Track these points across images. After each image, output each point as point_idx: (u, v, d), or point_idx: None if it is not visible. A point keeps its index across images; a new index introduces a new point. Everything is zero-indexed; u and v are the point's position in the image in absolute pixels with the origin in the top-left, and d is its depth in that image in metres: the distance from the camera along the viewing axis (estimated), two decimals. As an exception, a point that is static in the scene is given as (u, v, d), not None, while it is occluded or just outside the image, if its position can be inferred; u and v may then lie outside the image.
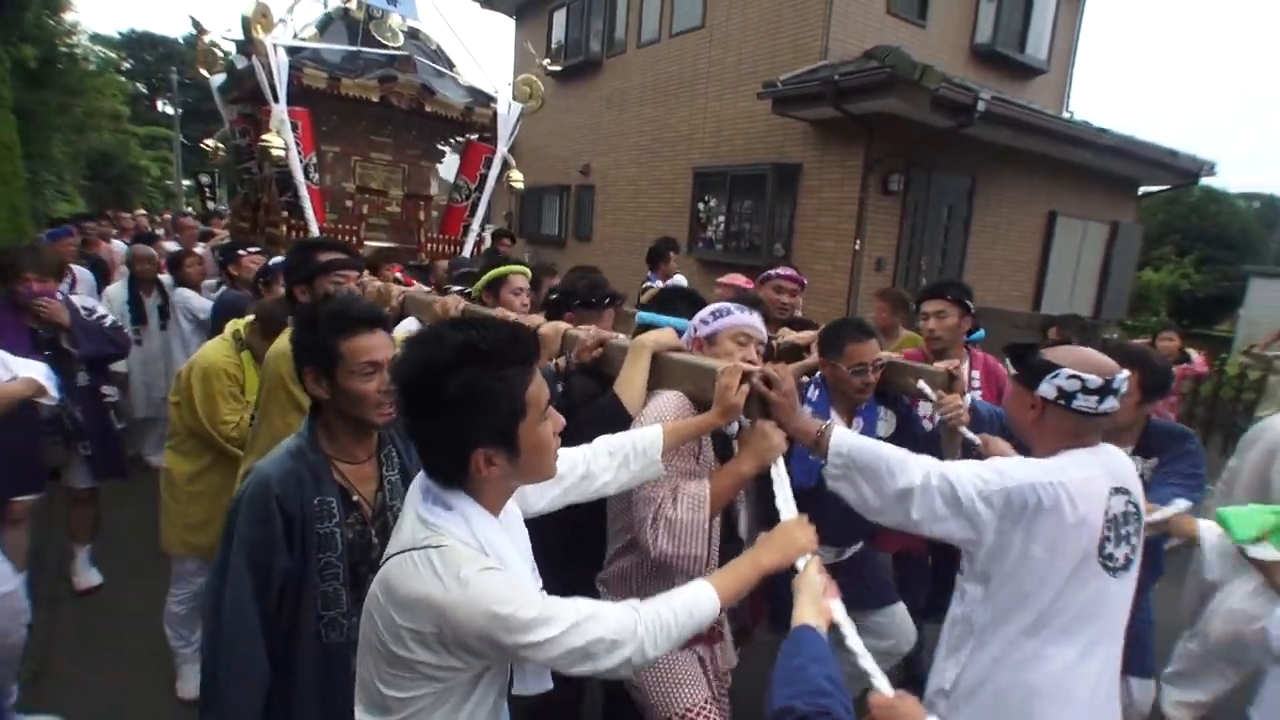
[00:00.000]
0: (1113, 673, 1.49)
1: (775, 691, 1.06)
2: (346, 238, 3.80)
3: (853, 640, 1.19)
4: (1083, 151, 8.20)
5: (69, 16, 9.24)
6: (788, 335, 2.65)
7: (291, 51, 3.68)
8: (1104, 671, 1.45)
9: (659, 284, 4.88)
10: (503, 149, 4.45)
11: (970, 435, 2.03)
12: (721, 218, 9.13)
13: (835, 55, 7.66)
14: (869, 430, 2.21)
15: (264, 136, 3.59)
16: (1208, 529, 1.83)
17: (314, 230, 3.71)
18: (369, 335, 1.44)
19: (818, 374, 2.28)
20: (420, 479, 1.14)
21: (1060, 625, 1.42)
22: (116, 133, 12.80)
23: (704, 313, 1.85)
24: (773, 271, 3.15)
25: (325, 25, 4.24)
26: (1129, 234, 10.36)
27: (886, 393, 2.27)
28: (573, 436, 1.35)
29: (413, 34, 4.40)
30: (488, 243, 5.57)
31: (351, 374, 1.42)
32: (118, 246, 6.78)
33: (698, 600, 1.15)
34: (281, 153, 3.57)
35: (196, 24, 4.31)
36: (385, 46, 4.13)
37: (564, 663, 1.04)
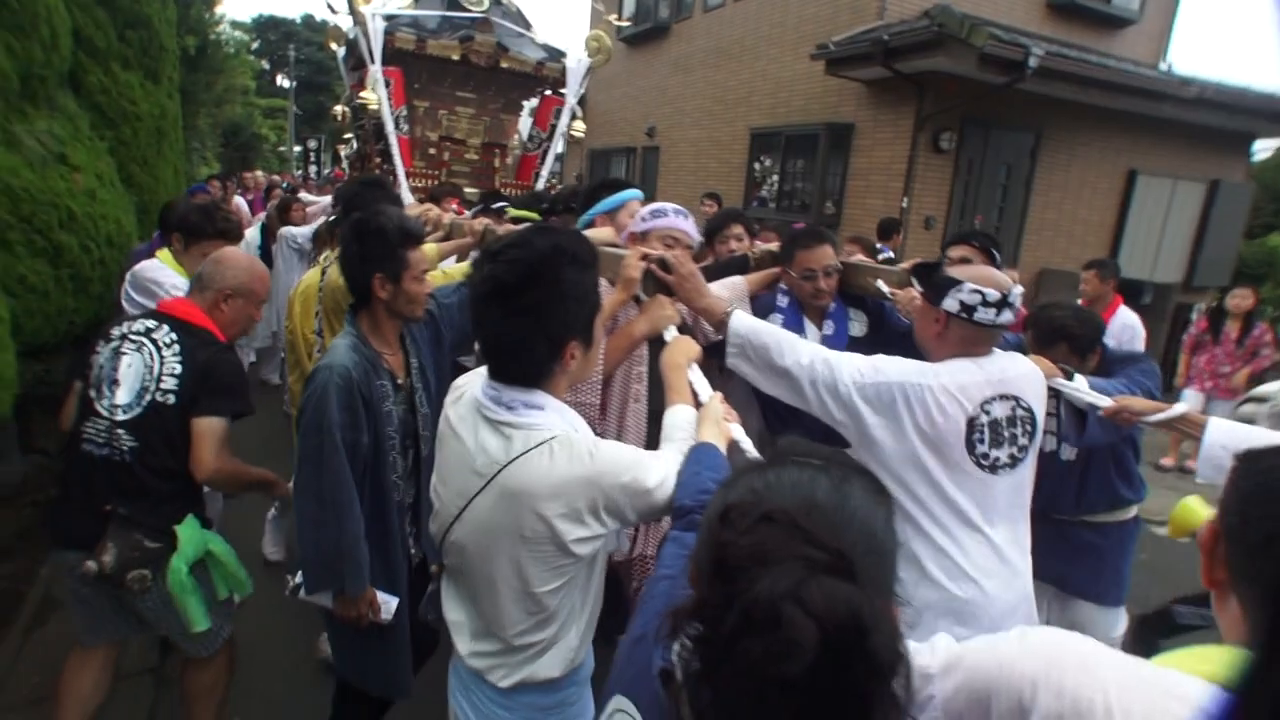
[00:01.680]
0: (1008, 553, 1.58)
1: (675, 496, 1.16)
2: (430, 181, 4.47)
3: (747, 445, 1.38)
4: (1166, 105, 7.85)
5: (218, 9, 10.71)
6: (760, 246, 2.81)
7: (387, 19, 4.29)
8: (993, 551, 1.55)
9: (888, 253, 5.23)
10: (571, 100, 4.92)
11: None
12: (775, 177, 9.48)
13: (893, 15, 7.78)
14: (840, 331, 2.30)
15: (362, 93, 4.29)
16: (1216, 425, 1.73)
17: (400, 174, 4.35)
18: (421, 248, 1.78)
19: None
20: (472, 405, 1.20)
21: (939, 513, 1.55)
22: (245, 105, 14.34)
23: (643, 211, 2.06)
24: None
25: None
26: (1233, 193, 9.53)
27: (860, 295, 2.36)
28: None
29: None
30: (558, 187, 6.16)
31: (414, 278, 1.72)
32: (239, 202, 8.10)
33: (685, 412, 1.38)
34: (375, 106, 4.24)
35: (331, 5, 4.97)
36: (470, 11, 4.71)
37: (661, 499, 1.16)
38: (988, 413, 1.55)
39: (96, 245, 3.75)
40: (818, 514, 0.63)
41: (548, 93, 5.02)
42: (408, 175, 4.43)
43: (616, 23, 5.32)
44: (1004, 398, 1.57)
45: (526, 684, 1.22)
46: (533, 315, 1.12)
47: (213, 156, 12.52)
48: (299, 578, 1.63)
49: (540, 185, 4.95)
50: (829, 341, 2.24)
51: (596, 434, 1.31)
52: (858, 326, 2.33)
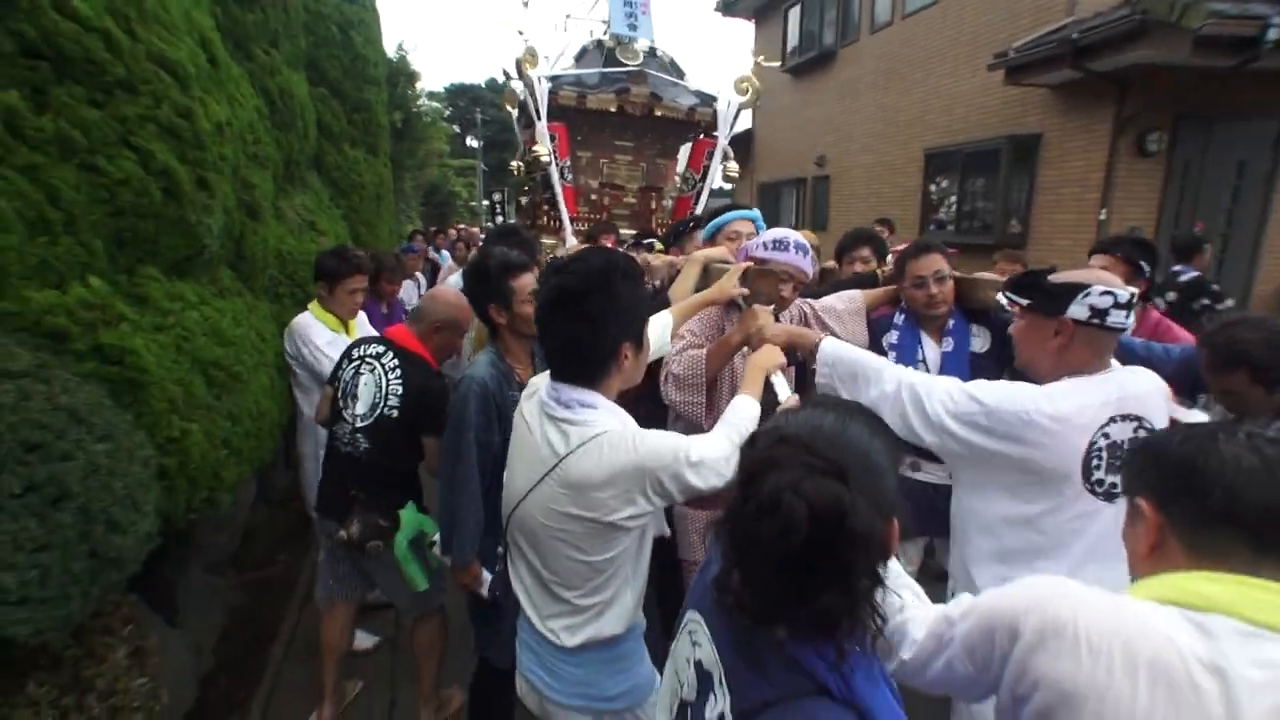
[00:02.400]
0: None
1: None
2: (591, 225, 4.78)
3: (784, 392, 1.58)
4: None
5: (418, 85, 12.44)
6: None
7: (552, 79, 4.73)
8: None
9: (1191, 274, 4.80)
10: (723, 141, 5.07)
11: None
12: (954, 198, 8.92)
13: (1087, 9, 7.10)
14: (960, 347, 2.26)
15: (533, 148, 4.75)
16: None
17: (565, 220, 4.75)
18: (526, 274, 1.95)
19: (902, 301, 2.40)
20: (540, 402, 1.36)
21: (1040, 543, 1.48)
22: (441, 167, 16.27)
23: (766, 237, 2.12)
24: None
25: (581, 55, 5.36)
26: None
27: (984, 310, 2.30)
28: None
29: (651, 52, 5.27)
30: None
31: (523, 302, 1.90)
32: (439, 255, 9.23)
33: (749, 406, 1.48)
34: (546, 159, 4.67)
35: (506, 72, 5.49)
36: (626, 65, 5.04)
37: (710, 479, 1.29)
38: (1107, 436, 1.44)
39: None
40: (820, 437, 0.82)
41: (701, 136, 5.20)
42: (572, 220, 4.79)
43: (765, 63, 5.37)
44: (1126, 418, 1.44)
45: (592, 641, 1.37)
46: (592, 320, 1.27)
47: (415, 215, 14.34)
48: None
49: None
50: (949, 358, 2.24)
51: (704, 431, 1.49)
52: (979, 342, 2.28)
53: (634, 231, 4.78)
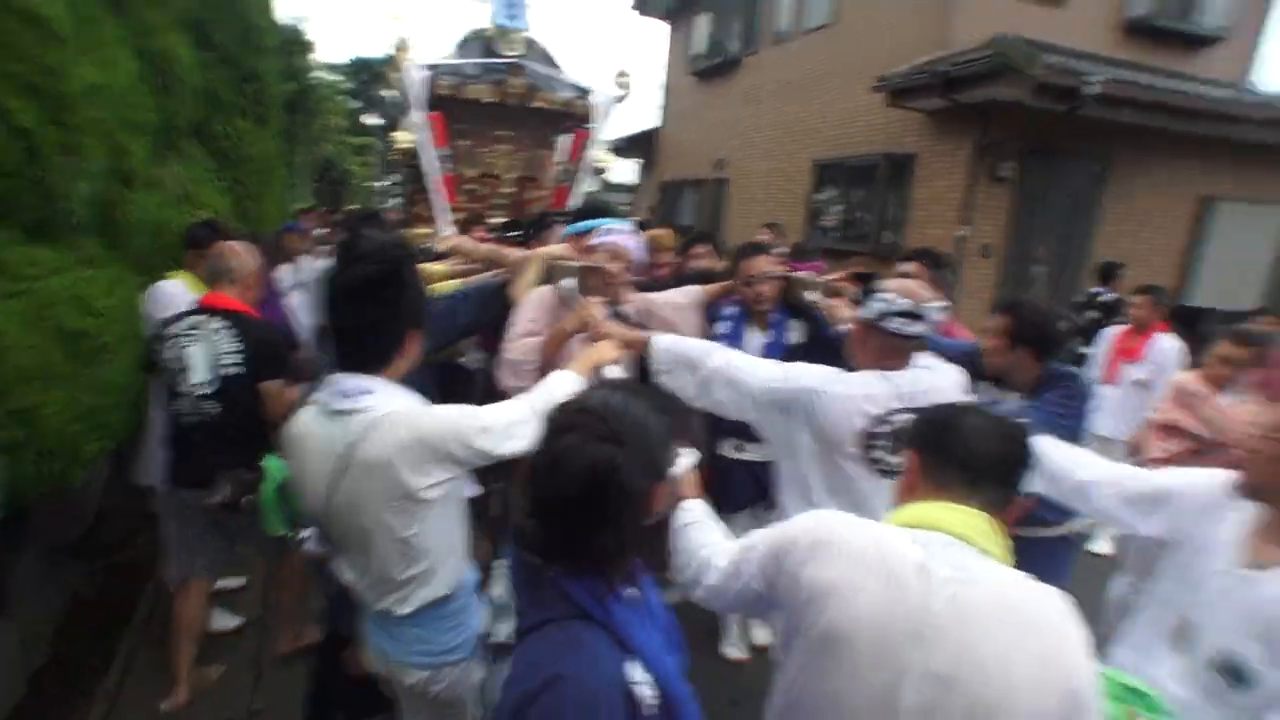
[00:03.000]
0: None
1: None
2: (468, 214, 4.83)
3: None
4: (1246, 128, 7.53)
5: (312, 57, 11.85)
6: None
7: (431, 67, 4.76)
8: None
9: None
10: (597, 133, 5.25)
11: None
12: (838, 207, 9.57)
13: (958, 44, 7.82)
14: (779, 337, 2.58)
15: (395, 134, 4.81)
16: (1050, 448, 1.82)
17: (444, 209, 4.78)
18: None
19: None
20: (318, 400, 1.41)
21: (845, 505, 1.62)
22: (337, 144, 15.57)
23: (602, 231, 2.39)
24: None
25: (463, 44, 5.38)
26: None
27: (800, 306, 2.59)
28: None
29: (530, 44, 5.38)
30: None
31: None
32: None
33: (565, 379, 1.58)
34: (412, 147, 4.72)
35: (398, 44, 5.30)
36: (506, 56, 5.13)
37: (505, 445, 1.39)
38: (890, 424, 1.68)
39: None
40: (608, 410, 0.98)
41: (578, 128, 5.35)
42: (453, 210, 4.84)
43: (622, 77, 5.47)
44: (908, 410, 1.65)
45: (425, 605, 1.47)
46: (388, 307, 1.36)
47: (307, 191, 13.65)
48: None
49: None
50: (768, 348, 2.54)
51: None
52: (796, 334, 2.59)
53: (505, 220, 4.90)
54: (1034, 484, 1.70)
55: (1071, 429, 2.07)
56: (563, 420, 0.96)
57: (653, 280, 3.23)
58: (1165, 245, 8.62)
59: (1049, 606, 1.03)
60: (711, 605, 1.33)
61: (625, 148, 16.30)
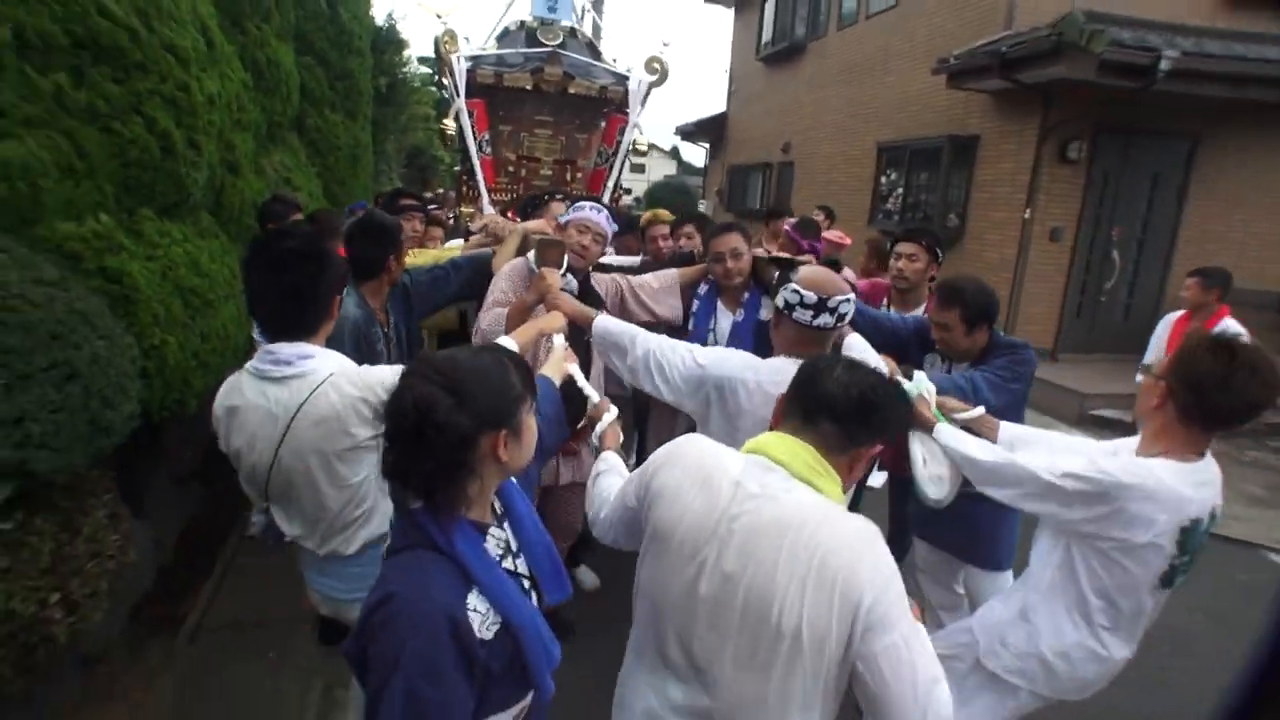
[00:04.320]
0: None
1: None
2: (510, 195, 5.26)
3: (580, 380, 1.76)
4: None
5: (406, 53, 12.78)
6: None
7: (472, 59, 5.06)
8: None
9: None
10: (634, 118, 5.42)
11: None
12: (901, 190, 9.51)
13: (1024, 23, 7.63)
14: (750, 315, 2.60)
15: (445, 121, 5.13)
16: (1006, 428, 1.93)
17: (483, 189, 5.13)
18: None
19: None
20: (252, 374, 1.53)
21: None
22: (426, 131, 16.50)
23: (571, 208, 2.59)
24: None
25: (504, 35, 5.73)
26: None
27: (770, 285, 2.53)
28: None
29: (571, 33, 5.65)
30: (624, 200, 6.60)
31: (402, 260, 2.36)
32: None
33: (502, 343, 1.60)
34: (454, 134, 5.08)
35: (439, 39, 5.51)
36: (546, 45, 5.40)
37: None
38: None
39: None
40: (450, 362, 1.06)
41: (614, 113, 5.53)
42: (491, 190, 5.18)
43: (665, 46, 5.61)
44: None
45: (367, 543, 1.63)
46: (314, 278, 1.51)
47: (395, 176, 14.68)
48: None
49: (606, 196, 5.44)
50: (738, 326, 2.59)
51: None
52: (766, 312, 2.56)
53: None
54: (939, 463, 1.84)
55: (1018, 393, 2.16)
56: (412, 367, 1.08)
57: (651, 258, 3.50)
58: (1262, 230, 8.08)
59: (841, 530, 1.10)
60: (606, 539, 1.45)
61: (693, 132, 16.55)
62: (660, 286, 2.71)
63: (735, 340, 2.54)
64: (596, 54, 5.69)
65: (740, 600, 1.10)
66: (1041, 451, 1.78)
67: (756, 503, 1.14)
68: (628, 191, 9.14)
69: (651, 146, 6.04)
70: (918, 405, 1.88)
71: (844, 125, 10.96)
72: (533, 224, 2.76)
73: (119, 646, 2.59)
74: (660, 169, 31.70)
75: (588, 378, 1.86)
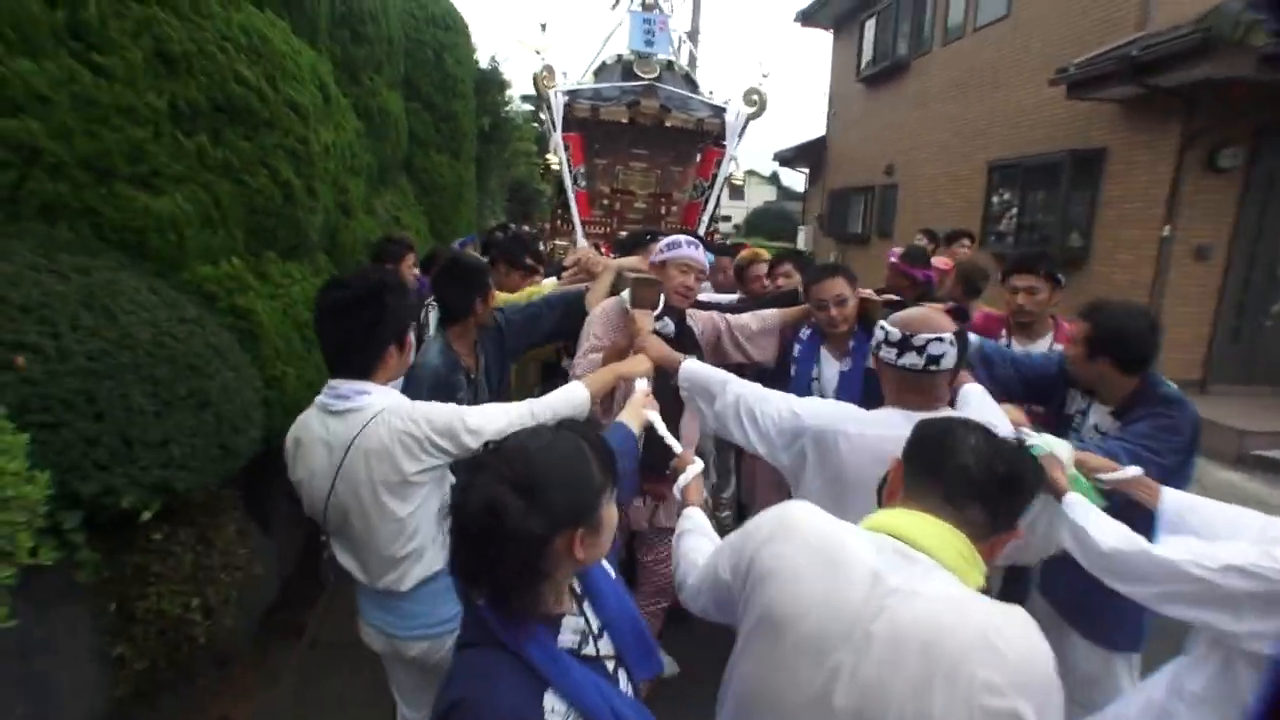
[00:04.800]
0: None
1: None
2: (605, 229, 5.23)
3: (661, 429, 1.68)
4: None
5: (509, 92, 13.46)
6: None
7: (569, 93, 5.06)
8: None
9: None
10: (730, 150, 5.28)
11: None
12: (1014, 210, 8.90)
13: (1162, 23, 7.01)
14: (858, 363, 2.37)
15: (547, 156, 5.17)
16: (1170, 494, 1.58)
17: (577, 223, 5.11)
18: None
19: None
20: (318, 408, 1.60)
21: None
22: (528, 165, 17.20)
23: (662, 243, 2.40)
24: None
25: (601, 70, 5.69)
26: None
27: None
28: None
29: (669, 66, 5.56)
30: (722, 227, 6.38)
31: (490, 303, 2.30)
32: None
33: (572, 390, 1.74)
34: (556, 167, 5.09)
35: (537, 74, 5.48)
36: (643, 79, 5.31)
37: (473, 439, 1.54)
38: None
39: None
40: (523, 454, 0.97)
41: (710, 145, 5.41)
42: (584, 224, 5.15)
43: (763, 74, 5.41)
44: None
45: (421, 582, 1.65)
46: (366, 326, 1.56)
47: (499, 209, 15.35)
48: None
49: (702, 229, 5.30)
50: (845, 376, 2.39)
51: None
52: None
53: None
54: (1064, 541, 1.55)
55: (1162, 469, 1.75)
56: (481, 458, 1.01)
57: (749, 297, 3.36)
58: None
59: (1005, 637, 0.92)
60: (694, 608, 1.31)
61: (792, 158, 16.32)
62: (759, 329, 2.56)
63: (843, 391, 2.36)
64: (694, 86, 5.64)
65: (892, 717, 0.91)
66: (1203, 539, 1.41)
67: (897, 599, 0.96)
68: (726, 219, 9.04)
69: (749, 173, 5.92)
70: (1048, 467, 1.59)
71: (950, 144, 10.45)
72: (627, 260, 2.70)
73: (248, 649, 2.80)
74: (760, 195, 31.50)
75: (678, 426, 1.80)
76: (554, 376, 3.17)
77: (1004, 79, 9.18)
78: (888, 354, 1.57)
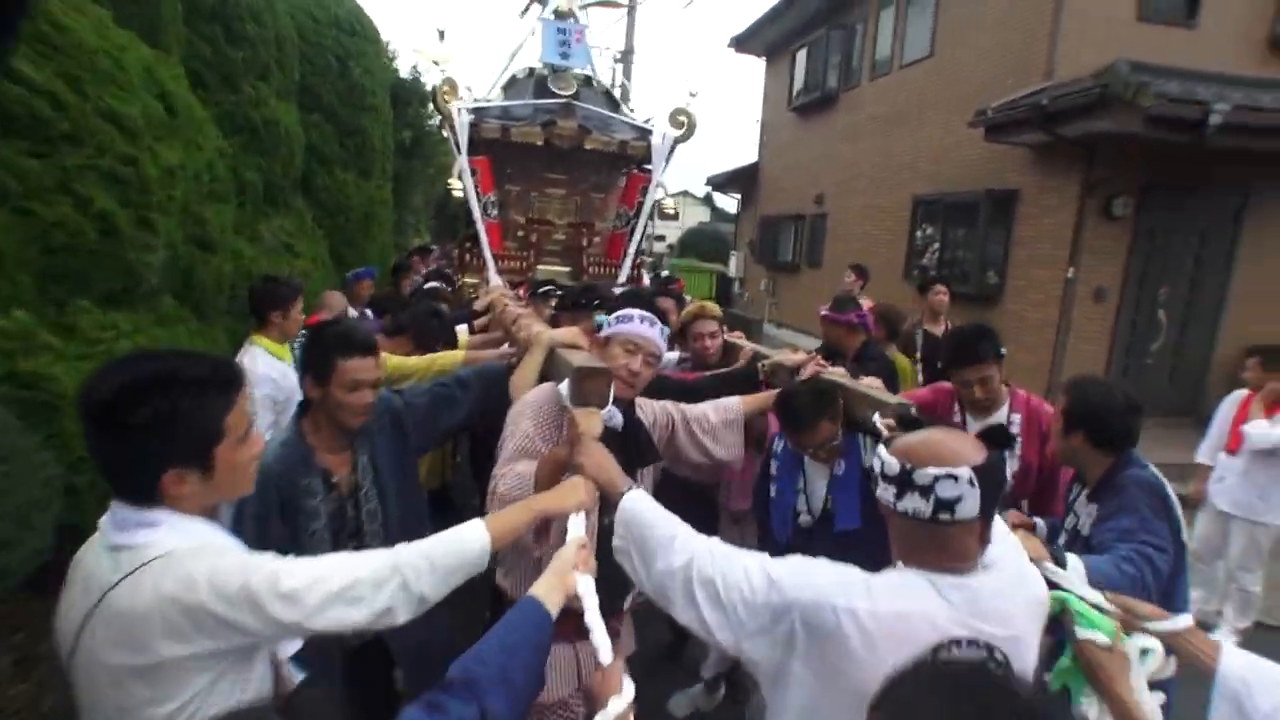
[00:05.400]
0: None
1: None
2: (521, 263, 4.77)
3: (591, 615, 1.17)
4: None
5: (430, 105, 12.95)
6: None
7: (475, 111, 4.44)
8: None
9: None
10: (657, 176, 4.85)
11: None
12: (937, 245, 9.10)
13: (1066, 74, 7.27)
14: (852, 465, 1.99)
15: (449, 181, 4.63)
16: (1230, 654, 1.19)
17: (488, 258, 4.62)
18: (361, 359, 1.69)
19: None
20: (107, 519, 1.08)
21: None
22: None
23: (613, 316, 1.90)
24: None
25: (510, 84, 5.01)
26: None
27: (866, 426, 1.92)
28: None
29: (587, 82, 5.02)
30: (656, 247, 6.04)
31: (340, 386, 1.67)
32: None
33: (462, 535, 1.20)
34: (460, 194, 4.57)
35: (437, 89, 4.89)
36: (559, 96, 4.85)
37: (330, 613, 1.05)
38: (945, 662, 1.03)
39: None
40: None
41: (635, 170, 5.00)
42: (497, 258, 4.67)
43: (691, 96, 4.96)
44: (974, 644, 1.05)
45: None
46: (134, 438, 1.03)
47: (424, 228, 14.79)
48: None
49: (628, 262, 4.94)
50: (840, 482, 2.00)
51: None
52: (869, 457, 1.90)
53: (566, 269, 4.79)
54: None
55: (1145, 579, 1.59)
56: None
57: (693, 359, 2.92)
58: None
59: None
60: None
61: (725, 183, 16.41)
62: (720, 420, 2.08)
63: (838, 503, 1.99)
64: (615, 105, 5.18)
65: None
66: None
67: None
68: (660, 238, 8.76)
69: (683, 194, 5.59)
70: (1093, 656, 1.21)
71: (878, 177, 10.63)
72: (562, 333, 2.15)
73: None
74: (694, 215, 31.74)
75: (635, 470, 1.45)
76: (439, 509, 2.62)
77: (928, 117, 9.39)
78: (885, 494, 1.13)
